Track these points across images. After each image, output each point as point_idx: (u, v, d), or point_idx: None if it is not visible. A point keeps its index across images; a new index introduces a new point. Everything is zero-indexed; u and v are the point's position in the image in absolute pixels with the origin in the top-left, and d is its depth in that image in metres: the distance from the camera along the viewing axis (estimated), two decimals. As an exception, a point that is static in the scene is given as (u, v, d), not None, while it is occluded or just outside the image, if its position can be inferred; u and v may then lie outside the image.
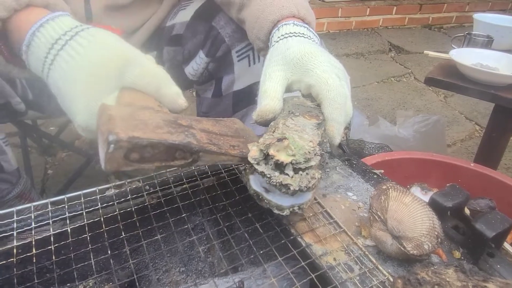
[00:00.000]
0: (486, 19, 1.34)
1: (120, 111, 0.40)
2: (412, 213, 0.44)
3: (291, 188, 0.43)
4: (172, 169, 0.46)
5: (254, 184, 0.47)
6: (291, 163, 0.43)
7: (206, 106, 0.98)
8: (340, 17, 3.25)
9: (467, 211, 0.76)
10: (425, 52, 1.22)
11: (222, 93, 0.92)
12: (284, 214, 0.46)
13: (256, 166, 0.44)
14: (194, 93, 1.14)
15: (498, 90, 1.02)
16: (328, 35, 3.21)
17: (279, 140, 0.44)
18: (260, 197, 0.46)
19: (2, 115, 0.80)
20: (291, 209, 0.46)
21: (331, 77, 0.54)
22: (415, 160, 1.07)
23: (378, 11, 3.38)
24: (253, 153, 0.45)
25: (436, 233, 0.43)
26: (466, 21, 3.75)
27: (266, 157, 0.44)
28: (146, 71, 0.46)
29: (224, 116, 0.98)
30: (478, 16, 1.37)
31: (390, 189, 0.47)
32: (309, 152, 0.44)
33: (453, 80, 1.08)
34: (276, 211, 0.46)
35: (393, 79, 2.54)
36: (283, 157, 0.43)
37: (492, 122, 1.20)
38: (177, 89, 0.47)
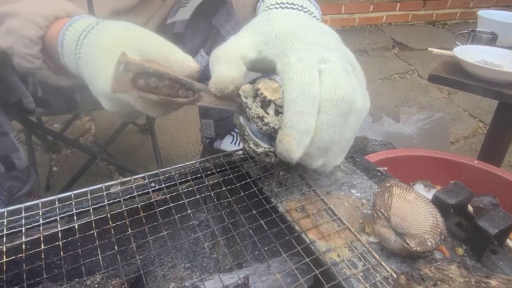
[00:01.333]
0: (490, 16, 1.33)
1: (136, 59, 0.42)
2: (416, 210, 0.44)
3: (265, 120, 0.43)
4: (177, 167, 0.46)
5: (243, 120, 0.48)
6: (274, 102, 0.44)
7: None
8: (344, 13, 3.24)
9: (470, 208, 0.76)
10: (429, 49, 1.22)
11: None
12: (258, 151, 0.46)
13: (244, 98, 0.45)
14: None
15: (502, 87, 1.02)
16: (331, 32, 3.20)
17: (271, 79, 0.46)
18: (243, 130, 0.47)
19: (12, 112, 0.81)
20: (266, 149, 0.47)
21: (301, 70, 0.42)
22: (418, 158, 1.07)
23: (381, 8, 3.36)
24: (245, 87, 0.46)
25: (439, 230, 0.43)
26: (470, 18, 3.73)
27: (256, 95, 0.46)
28: (154, 42, 0.47)
29: (226, 113, 0.98)
30: (482, 13, 1.37)
31: (394, 187, 0.47)
32: None
33: (457, 77, 1.08)
34: (252, 146, 0.47)
35: (396, 76, 2.53)
36: (269, 95, 0.44)
37: (496, 119, 1.20)
38: (185, 55, 0.46)
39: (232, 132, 1.04)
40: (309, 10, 0.52)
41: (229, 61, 0.45)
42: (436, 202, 0.51)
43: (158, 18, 0.91)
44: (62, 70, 0.55)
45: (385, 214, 0.45)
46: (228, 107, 0.46)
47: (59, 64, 0.52)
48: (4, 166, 0.77)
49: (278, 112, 0.44)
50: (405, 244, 0.42)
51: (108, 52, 0.44)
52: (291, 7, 0.50)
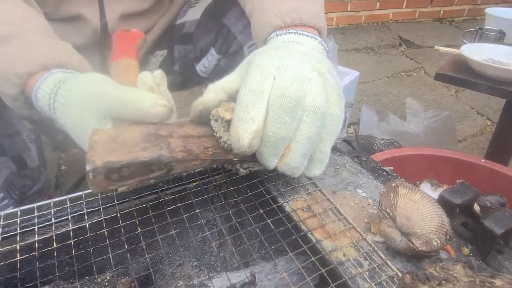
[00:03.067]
0: (498, 13, 1.32)
1: (106, 133, 0.44)
2: (421, 210, 0.45)
3: (221, 140, 0.47)
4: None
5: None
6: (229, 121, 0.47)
7: None
8: (350, 11, 3.22)
9: (477, 207, 0.76)
10: (436, 47, 1.21)
11: None
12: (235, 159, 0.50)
13: (212, 122, 0.48)
14: (203, 89, 1.16)
15: (509, 85, 1.01)
16: (337, 29, 3.19)
17: (228, 101, 0.48)
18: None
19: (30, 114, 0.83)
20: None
21: (254, 74, 0.45)
22: (424, 157, 1.07)
23: (388, 5, 3.34)
24: (214, 111, 0.48)
25: (444, 230, 0.44)
26: (478, 14, 3.69)
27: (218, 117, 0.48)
28: (120, 96, 0.47)
29: None
30: (490, 10, 1.36)
31: (399, 187, 0.48)
32: None
33: (464, 76, 1.07)
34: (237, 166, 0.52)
35: (403, 74, 2.52)
36: (227, 115, 0.47)
37: (503, 118, 1.20)
38: (154, 100, 0.46)
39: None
40: (300, 43, 0.53)
41: (208, 91, 0.48)
42: (442, 202, 0.51)
43: (166, 20, 0.92)
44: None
45: (391, 214, 0.45)
46: (202, 166, 0.49)
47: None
48: (16, 165, 0.78)
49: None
50: (410, 244, 0.43)
51: (76, 116, 0.47)
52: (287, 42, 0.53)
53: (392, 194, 0.47)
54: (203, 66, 0.94)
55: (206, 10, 0.88)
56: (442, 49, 1.21)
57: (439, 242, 0.43)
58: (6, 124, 0.74)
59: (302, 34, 0.54)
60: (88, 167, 0.41)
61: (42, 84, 0.50)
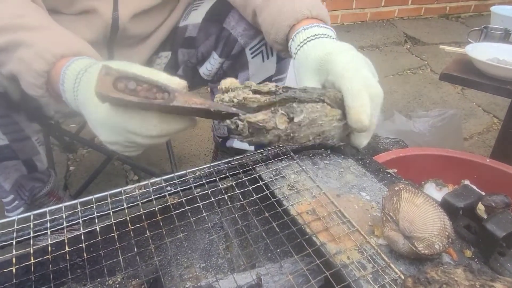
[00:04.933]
0: (503, 12, 1.32)
1: None
2: (424, 214, 0.45)
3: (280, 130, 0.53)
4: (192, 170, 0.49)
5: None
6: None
7: None
8: (355, 8, 3.21)
9: (481, 207, 0.76)
10: (441, 46, 1.21)
11: None
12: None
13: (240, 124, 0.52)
14: (208, 90, 1.17)
15: (515, 85, 1.01)
16: (342, 27, 3.18)
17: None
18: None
19: (33, 117, 0.85)
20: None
21: (348, 71, 0.56)
22: (429, 156, 1.07)
23: (393, 2, 3.32)
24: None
25: (447, 234, 0.44)
26: (484, 10, 3.65)
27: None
28: (141, 70, 0.50)
29: None
30: (495, 8, 1.35)
31: (402, 191, 0.48)
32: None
33: (469, 76, 1.07)
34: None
35: (408, 71, 2.51)
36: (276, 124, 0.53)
37: (509, 117, 1.19)
38: (169, 76, 0.50)
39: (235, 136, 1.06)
40: (332, 37, 0.64)
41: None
42: (445, 205, 0.52)
43: (171, 21, 0.94)
44: (61, 99, 0.59)
45: (394, 218, 0.46)
46: (200, 106, 0.48)
47: (59, 94, 0.57)
48: (26, 168, 0.81)
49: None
50: (413, 247, 0.44)
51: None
52: (323, 37, 0.63)
53: (395, 198, 0.48)
54: (206, 69, 0.96)
55: (207, 14, 0.89)
56: (448, 48, 1.20)
57: (441, 245, 0.44)
58: (16, 129, 0.76)
59: (324, 27, 0.65)
60: (104, 65, 0.44)
61: (72, 64, 0.55)
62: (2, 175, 0.76)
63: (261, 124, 0.52)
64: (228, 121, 0.53)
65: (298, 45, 0.64)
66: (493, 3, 3.31)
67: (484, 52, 1.10)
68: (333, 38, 0.64)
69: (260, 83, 0.55)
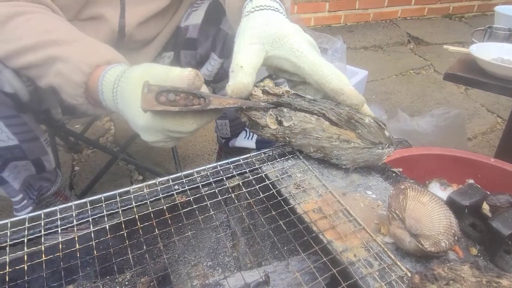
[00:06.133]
0: (507, 12, 1.32)
1: None
2: (430, 212, 0.46)
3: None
4: (199, 169, 0.50)
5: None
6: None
7: None
8: (358, 9, 3.22)
9: (486, 206, 0.77)
10: (445, 47, 1.21)
11: None
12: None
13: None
14: (210, 90, 1.19)
15: (519, 85, 1.01)
16: (345, 27, 3.19)
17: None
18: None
19: (41, 119, 0.86)
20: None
21: (323, 64, 0.58)
22: (434, 156, 1.07)
23: (396, 2, 3.33)
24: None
25: (453, 231, 0.45)
26: (488, 10, 3.65)
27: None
28: (162, 71, 0.56)
29: None
30: (499, 8, 1.35)
31: (408, 189, 0.49)
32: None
33: (473, 75, 1.07)
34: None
35: (412, 71, 2.51)
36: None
37: (513, 116, 1.19)
38: (181, 69, 0.54)
39: (246, 128, 1.08)
40: (277, 8, 0.64)
41: (247, 72, 0.57)
42: (451, 203, 0.53)
43: (173, 22, 0.95)
44: (99, 104, 0.64)
45: (400, 216, 0.47)
46: (234, 106, 0.56)
47: (97, 100, 0.63)
48: (35, 168, 0.82)
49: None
50: (419, 245, 0.44)
51: (135, 88, 0.55)
52: (275, 10, 0.63)
53: (401, 196, 0.48)
54: (207, 70, 0.97)
55: (205, 15, 0.91)
56: (451, 48, 1.21)
57: (447, 243, 0.44)
58: (25, 130, 0.77)
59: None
60: (145, 84, 0.49)
61: (107, 74, 0.60)
62: (12, 175, 0.77)
63: (254, 119, 0.60)
64: (238, 113, 0.62)
65: (257, 7, 0.63)
66: (497, 3, 3.30)
67: (488, 52, 1.10)
68: (281, 12, 0.64)
69: (259, 82, 0.62)
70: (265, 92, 0.60)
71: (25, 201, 0.84)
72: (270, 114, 0.59)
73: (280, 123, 0.59)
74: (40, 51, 0.63)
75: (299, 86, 0.64)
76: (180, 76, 0.52)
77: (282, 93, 0.60)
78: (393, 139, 0.60)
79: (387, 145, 0.59)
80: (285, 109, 0.59)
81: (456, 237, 0.45)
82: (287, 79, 0.66)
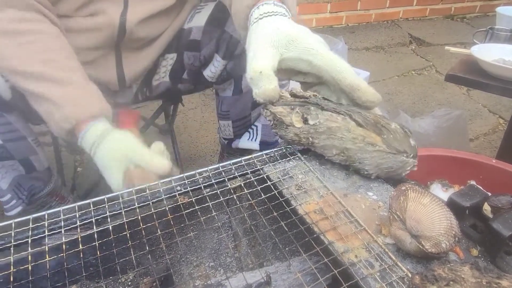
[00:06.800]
0: (509, 13, 1.32)
1: None
2: (430, 213, 0.46)
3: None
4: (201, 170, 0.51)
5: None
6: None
7: (226, 105, 1.03)
8: (359, 10, 3.22)
9: (488, 207, 0.77)
10: (446, 48, 1.21)
11: (242, 90, 0.98)
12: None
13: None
14: (213, 91, 1.19)
15: (520, 86, 1.01)
16: (347, 28, 3.19)
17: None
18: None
19: (37, 119, 0.86)
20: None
21: (338, 60, 0.60)
22: (435, 157, 1.07)
23: (398, 3, 3.32)
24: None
25: (453, 232, 0.45)
26: (490, 10, 3.64)
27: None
28: (140, 153, 0.65)
29: (244, 111, 1.02)
30: (501, 9, 1.35)
31: (409, 190, 0.49)
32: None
33: (474, 76, 1.07)
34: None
35: (413, 72, 2.51)
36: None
37: (515, 117, 1.19)
38: (161, 160, 0.64)
39: (249, 129, 1.08)
40: (284, 14, 0.65)
41: (272, 78, 0.58)
42: (452, 204, 0.53)
43: (176, 24, 0.96)
44: None
45: (401, 217, 0.47)
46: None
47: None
48: (24, 168, 0.82)
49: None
50: (420, 246, 0.44)
51: (111, 159, 0.65)
52: (284, 16, 0.64)
53: (402, 198, 0.49)
54: (210, 71, 0.98)
55: (209, 17, 0.91)
56: (453, 49, 1.21)
57: (448, 244, 0.44)
58: (9, 129, 0.77)
59: (277, 5, 0.66)
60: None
61: (87, 133, 0.67)
62: None
63: (279, 116, 0.60)
64: (261, 110, 0.63)
65: (265, 13, 0.64)
66: (498, 3, 3.30)
67: (490, 53, 1.10)
68: (289, 18, 0.65)
69: None
70: (293, 94, 0.62)
71: (14, 201, 0.84)
72: (297, 111, 0.59)
73: (305, 121, 0.59)
74: (34, 81, 0.67)
75: (314, 88, 0.65)
76: (158, 165, 0.63)
77: (309, 95, 0.61)
78: (417, 150, 0.59)
79: (411, 155, 0.58)
80: (312, 107, 0.59)
81: (456, 238, 0.45)
82: (301, 82, 0.67)
